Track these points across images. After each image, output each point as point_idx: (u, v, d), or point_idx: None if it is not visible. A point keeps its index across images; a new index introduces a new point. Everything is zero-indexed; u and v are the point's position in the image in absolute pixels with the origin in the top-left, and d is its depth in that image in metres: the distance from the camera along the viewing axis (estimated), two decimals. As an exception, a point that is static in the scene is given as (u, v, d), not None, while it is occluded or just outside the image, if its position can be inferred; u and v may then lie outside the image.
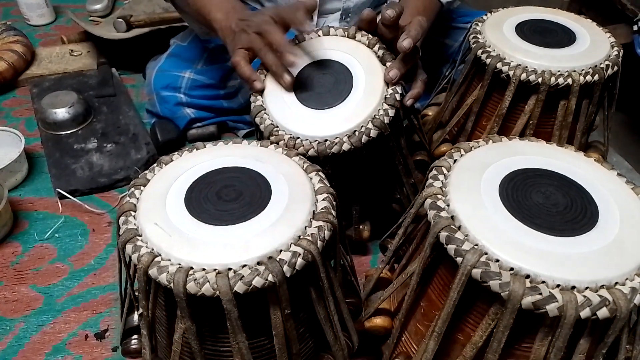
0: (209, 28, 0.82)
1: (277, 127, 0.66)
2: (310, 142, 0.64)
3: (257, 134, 0.72)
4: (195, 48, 1.07)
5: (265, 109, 0.68)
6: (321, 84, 0.69)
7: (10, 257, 0.85)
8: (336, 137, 0.64)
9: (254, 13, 0.76)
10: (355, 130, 0.65)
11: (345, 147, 0.64)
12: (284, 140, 0.64)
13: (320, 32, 0.74)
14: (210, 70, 1.05)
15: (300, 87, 0.69)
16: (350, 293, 0.62)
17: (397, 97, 0.66)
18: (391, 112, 0.66)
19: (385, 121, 0.65)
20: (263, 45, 0.69)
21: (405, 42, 0.65)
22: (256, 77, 0.69)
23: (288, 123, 0.66)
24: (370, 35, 0.72)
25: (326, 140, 0.64)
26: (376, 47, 0.71)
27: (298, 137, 0.65)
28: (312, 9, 0.74)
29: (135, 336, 0.60)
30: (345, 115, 0.66)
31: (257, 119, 0.67)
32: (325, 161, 0.64)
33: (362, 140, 0.64)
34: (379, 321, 0.61)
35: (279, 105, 0.68)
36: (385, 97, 0.66)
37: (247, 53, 0.71)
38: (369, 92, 0.67)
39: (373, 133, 0.65)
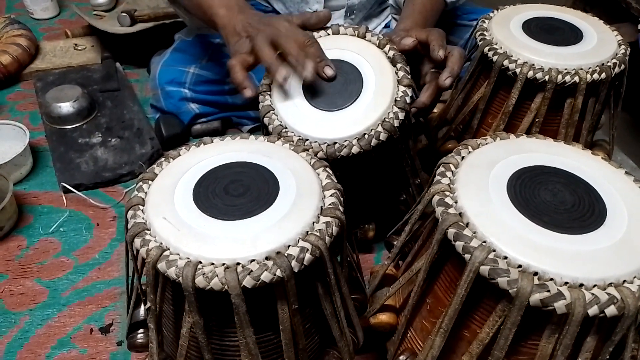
0: (210, 23, 0.80)
1: (286, 128, 0.65)
2: (320, 145, 0.64)
3: (263, 131, 0.72)
4: (200, 43, 1.06)
5: (274, 109, 0.67)
6: (330, 84, 0.67)
7: (15, 250, 0.85)
8: (345, 140, 0.63)
9: (260, 18, 0.73)
10: (364, 133, 0.64)
11: (355, 150, 0.63)
12: (292, 141, 0.64)
13: (329, 31, 0.73)
14: (215, 66, 1.05)
15: (310, 87, 0.68)
16: (355, 289, 0.62)
17: (407, 99, 0.66)
18: (401, 115, 0.65)
19: (395, 124, 0.64)
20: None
21: (447, 81, 0.68)
22: (247, 85, 0.67)
23: (297, 124, 0.65)
24: (380, 35, 0.71)
25: (335, 143, 0.63)
26: (386, 48, 0.70)
27: (307, 139, 0.64)
28: (326, 19, 0.73)
29: (141, 330, 0.60)
30: (354, 117, 0.65)
31: (266, 119, 0.67)
32: (334, 163, 0.63)
33: (372, 144, 0.63)
34: (384, 317, 0.61)
35: (288, 105, 0.67)
36: (396, 100, 0.65)
37: (246, 59, 0.69)
38: (378, 94, 0.66)
39: (383, 136, 0.64)
